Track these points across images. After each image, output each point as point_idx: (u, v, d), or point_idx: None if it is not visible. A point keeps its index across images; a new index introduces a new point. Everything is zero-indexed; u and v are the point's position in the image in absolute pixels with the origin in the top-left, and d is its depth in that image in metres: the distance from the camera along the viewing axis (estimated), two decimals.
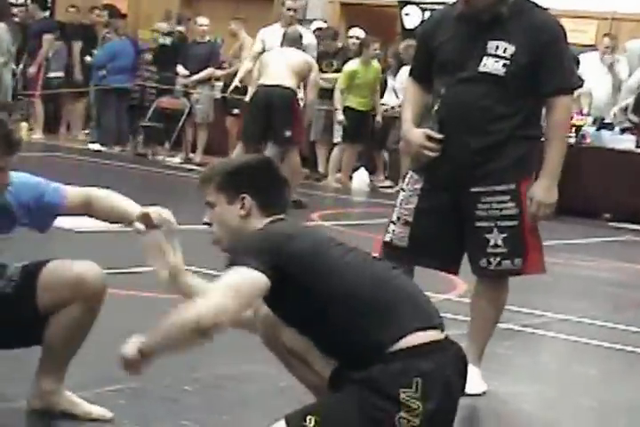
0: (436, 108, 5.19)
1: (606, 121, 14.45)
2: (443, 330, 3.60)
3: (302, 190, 12.44)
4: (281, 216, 3.82)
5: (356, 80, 14.37)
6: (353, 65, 14.54)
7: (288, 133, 11.85)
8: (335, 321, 3.57)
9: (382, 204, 12.50)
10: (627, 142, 14.17)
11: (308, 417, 3.46)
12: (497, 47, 5.06)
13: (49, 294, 4.05)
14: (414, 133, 5.23)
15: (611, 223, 13.38)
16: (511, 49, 5.03)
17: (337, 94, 14.50)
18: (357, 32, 15.69)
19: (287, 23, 12.81)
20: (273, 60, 11.75)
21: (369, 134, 14.88)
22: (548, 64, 5.07)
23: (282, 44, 12.10)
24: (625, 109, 14.29)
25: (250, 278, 3.52)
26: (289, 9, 12.99)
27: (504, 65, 5.04)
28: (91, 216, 4.42)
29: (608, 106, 14.55)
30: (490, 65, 5.06)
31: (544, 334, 6.91)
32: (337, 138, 14.78)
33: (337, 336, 3.60)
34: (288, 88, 11.70)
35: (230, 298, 3.48)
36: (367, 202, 14.16)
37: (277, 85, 11.58)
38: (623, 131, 14.45)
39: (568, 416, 5.35)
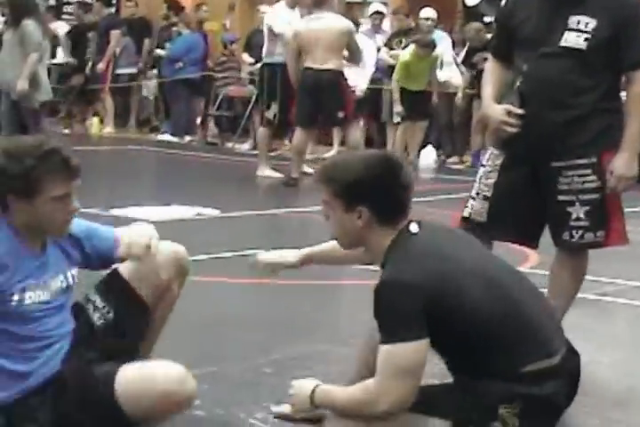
0: (517, 83, 5.21)
1: None
2: (560, 351, 3.67)
3: None
4: (403, 225, 3.70)
5: (410, 70, 14.17)
6: (406, 56, 14.22)
7: (341, 115, 12.03)
8: (470, 345, 3.61)
9: (452, 180, 12.52)
10: None
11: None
12: (578, 22, 5.05)
13: (151, 290, 4.07)
14: (495, 109, 5.23)
15: None
16: (593, 23, 5.02)
17: (394, 85, 14.37)
18: (430, 13, 15.53)
19: (292, 5, 12.63)
20: (313, 40, 11.65)
21: (428, 111, 14.80)
22: (629, 38, 5.07)
23: (314, 7, 11.94)
24: None
25: (416, 355, 3.50)
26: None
27: (585, 39, 5.03)
28: None
29: None
30: (571, 39, 5.05)
31: (619, 302, 6.88)
32: (396, 118, 14.67)
33: (466, 355, 3.66)
34: (334, 70, 11.76)
35: (410, 386, 3.50)
36: (436, 178, 14.06)
37: (324, 70, 11.64)
38: None
39: None
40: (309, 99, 11.76)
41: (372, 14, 15.87)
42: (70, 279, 4.02)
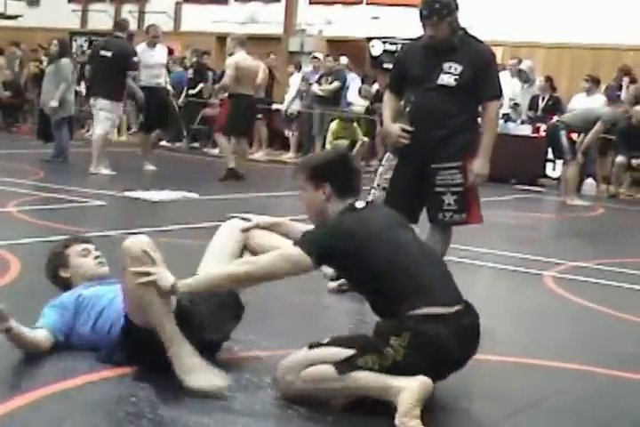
0: (407, 109, 5.25)
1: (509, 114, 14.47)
2: (452, 305, 3.43)
3: None
4: (351, 201, 3.66)
5: (339, 135, 14.14)
6: (333, 125, 14.21)
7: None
8: (375, 291, 3.53)
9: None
10: (524, 130, 14.14)
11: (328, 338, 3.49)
12: (450, 67, 5.13)
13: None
14: (393, 127, 5.27)
15: (515, 186, 13.38)
16: (460, 68, 5.10)
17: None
18: (344, 60, 15.76)
19: (152, 44, 12.15)
20: (246, 73, 11.14)
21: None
22: (484, 78, 5.15)
23: (241, 46, 11.29)
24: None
25: (298, 259, 3.42)
26: (154, 36, 12.19)
27: (455, 79, 5.11)
28: None
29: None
30: (445, 79, 5.12)
31: (473, 263, 6.90)
32: None
33: (374, 299, 3.58)
34: (254, 96, 11.51)
35: (278, 268, 3.43)
36: None
37: (251, 95, 11.31)
38: (522, 122, 14.43)
39: (492, 318, 5.34)
40: (242, 116, 11.27)
41: (312, 57, 15.86)
42: None
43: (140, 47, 12.21)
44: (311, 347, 3.45)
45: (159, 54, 12.24)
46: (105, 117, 11.41)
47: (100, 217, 8.23)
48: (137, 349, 3.66)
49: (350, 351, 3.36)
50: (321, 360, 3.38)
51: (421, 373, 3.31)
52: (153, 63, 12.04)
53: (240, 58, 11.21)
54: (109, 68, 11.20)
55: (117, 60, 11.23)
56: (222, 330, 3.88)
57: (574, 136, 11.69)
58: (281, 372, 3.47)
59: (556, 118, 12.71)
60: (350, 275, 3.64)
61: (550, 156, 13.14)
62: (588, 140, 11.46)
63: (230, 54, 11.49)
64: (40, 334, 3.79)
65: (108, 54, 11.30)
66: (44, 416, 3.19)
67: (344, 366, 3.33)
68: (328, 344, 3.43)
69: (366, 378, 3.33)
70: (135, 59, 11.44)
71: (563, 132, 11.46)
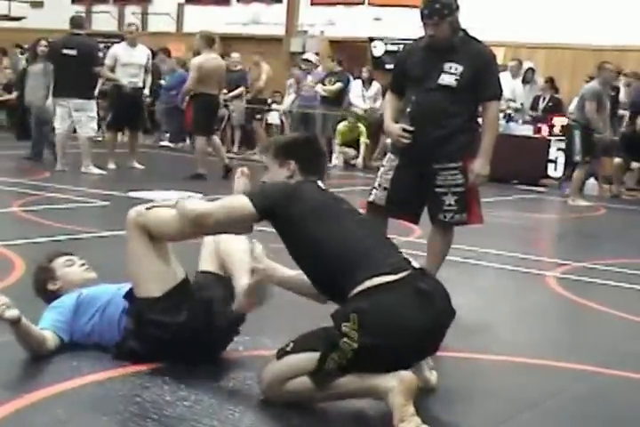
0: (408, 109, 5.24)
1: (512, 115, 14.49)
2: (397, 272, 3.29)
3: None
4: (313, 179, 3.67)
5: (345, 138, 14.64)
6: (341, 127, 14.85)
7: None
8: (313, 267, 3.50)
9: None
10: (527, 130, 14.14)
11: (291, 343, 3.41)
12: (450, 67, 5.13)
13: None
14: (394, 127, 5.27)
15: (517, 186, 13.38)
16: (460, 68, 5.11)
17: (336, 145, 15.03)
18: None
19: (132, 43, 12.06)
20: (211, 73, 11.03)
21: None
22: (484, 79, 5.16)
23: (208, 46, 11.16)
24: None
25: (243, 207, 3.47)
26: (130, 32, 12.18)
27: (455, 79, 5.12)
28: None
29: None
30: (446, 79, 5.13)
31: (475, 263, 6.90)
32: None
33: (315, 279, 3.55)
34: (218, 95, 11.45)
35: (223, 213, 3.49)
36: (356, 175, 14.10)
37: (215, 95, 11.30)
38: (524, 122, 14.44)
39: (493, 318, 5.35)
40: (211, 116, 11.37)
41: (303, 60, 15.91)
42: None
43: (120, 46, 12.14)
44: (279, 357, 3.38)
45: (139, 54, 12.10)
46: (89, 117, 11.31)
47: (104, 217, 8.25)
48: (147, 330, 3.76)
49: (315, 356, 3.28)
50: (293, 372, 3.32)
51: (389, 352, 3.20)
52: (130, 62, 11.92)
53: (204, 58, 11.14)
54: (76, 67, 10.96)
55: (83, 57, 11.03)
56: (230, 320, 3.94)
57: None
58: (264, 387, 3.43)
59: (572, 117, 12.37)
60: (288, 243, 3.53)
61: (552, 156, 13.20)
62: (592, 121, 11.19)
63: (198, 53, 11.47)
64: (46, 332, 3.80)
65: (73, 53, 11.05)
66: (47, 416, 3.19)
67: (318, 377, 3.27)
68: (293, 351, 3.35)
69: (348, 385, 3.27)
70: (100, 54, 11.44)
71: (577, 132, 11.36)
